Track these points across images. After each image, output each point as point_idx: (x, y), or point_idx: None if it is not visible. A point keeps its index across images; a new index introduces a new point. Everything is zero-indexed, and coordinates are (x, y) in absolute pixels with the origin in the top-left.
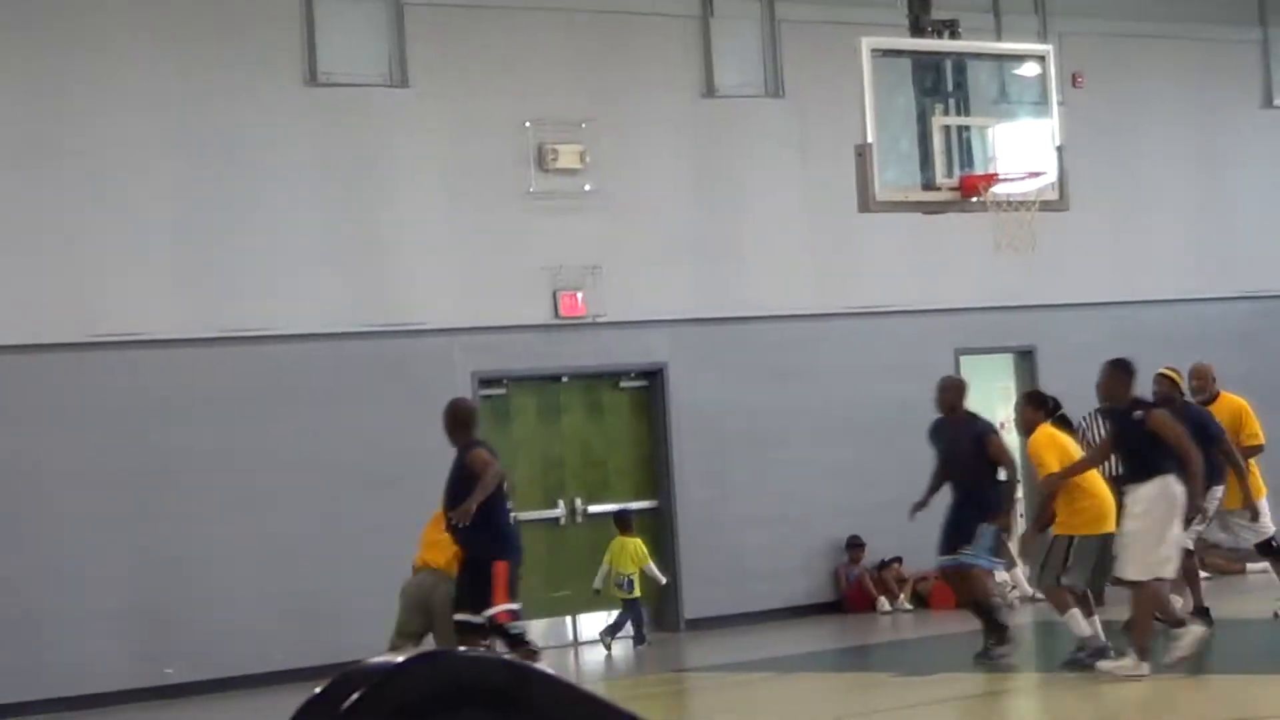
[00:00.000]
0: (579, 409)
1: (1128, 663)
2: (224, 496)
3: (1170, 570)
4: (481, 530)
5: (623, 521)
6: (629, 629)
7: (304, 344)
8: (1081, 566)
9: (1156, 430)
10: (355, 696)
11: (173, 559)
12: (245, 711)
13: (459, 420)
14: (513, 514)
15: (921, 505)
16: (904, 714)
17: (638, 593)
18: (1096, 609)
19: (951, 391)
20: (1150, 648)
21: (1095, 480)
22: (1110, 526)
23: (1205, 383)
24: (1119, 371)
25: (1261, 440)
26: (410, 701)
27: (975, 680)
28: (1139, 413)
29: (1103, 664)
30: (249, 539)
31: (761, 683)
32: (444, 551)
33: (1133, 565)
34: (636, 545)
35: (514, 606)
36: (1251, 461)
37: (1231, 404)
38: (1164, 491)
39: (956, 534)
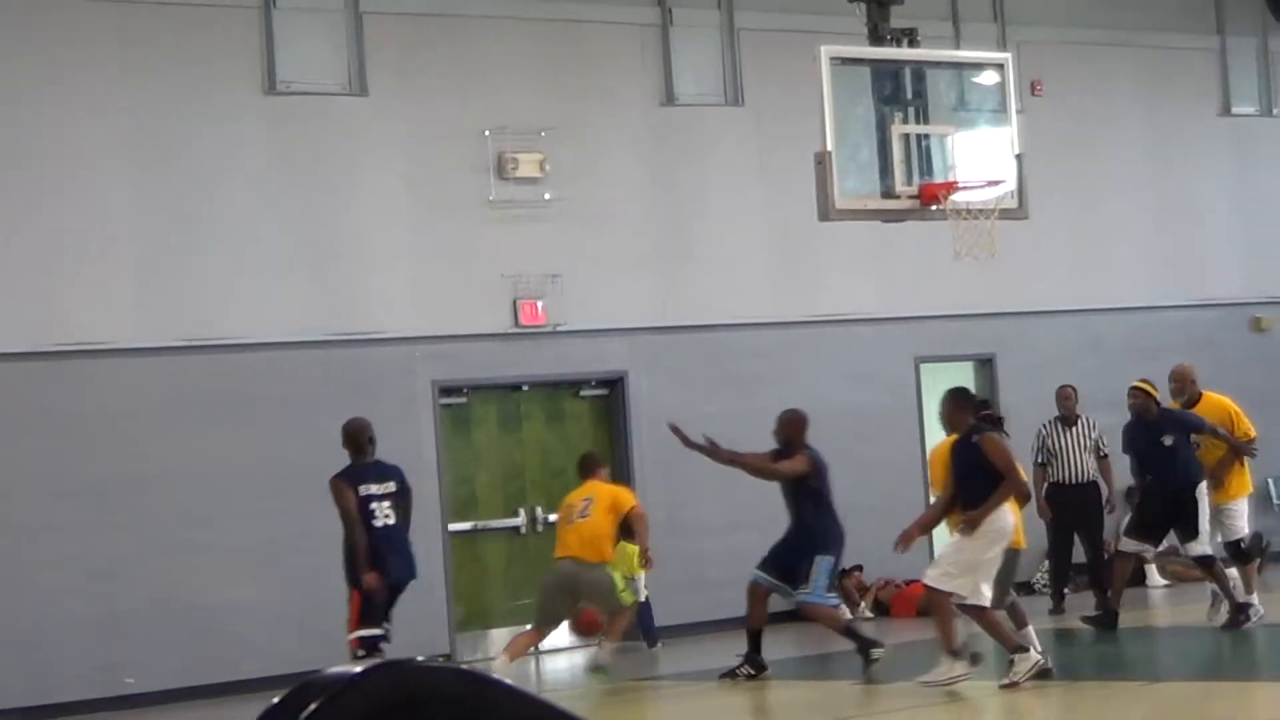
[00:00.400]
0: (539, 417)
1: (942, 669)
2: (185, 505)
3: (978, 598)
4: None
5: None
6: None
7: (264, 353)
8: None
9: (987, 454)
10: (313, 706)
11: (134, 568)
12: None
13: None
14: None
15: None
16: None
17: (643, 595)
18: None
19: (794, 425)
20: (959, 648)
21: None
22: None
23: (1184, 384)
24: (958, 400)
25: (1254, 435)
26: (368, 711)
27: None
28: (975, 438)
29: (924, 678)
30: (210, 548)
31: (722, 691)
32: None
33: (937, 570)
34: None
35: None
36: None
37: (1217, 403)
38: (993, 520)
39: (794, 572)
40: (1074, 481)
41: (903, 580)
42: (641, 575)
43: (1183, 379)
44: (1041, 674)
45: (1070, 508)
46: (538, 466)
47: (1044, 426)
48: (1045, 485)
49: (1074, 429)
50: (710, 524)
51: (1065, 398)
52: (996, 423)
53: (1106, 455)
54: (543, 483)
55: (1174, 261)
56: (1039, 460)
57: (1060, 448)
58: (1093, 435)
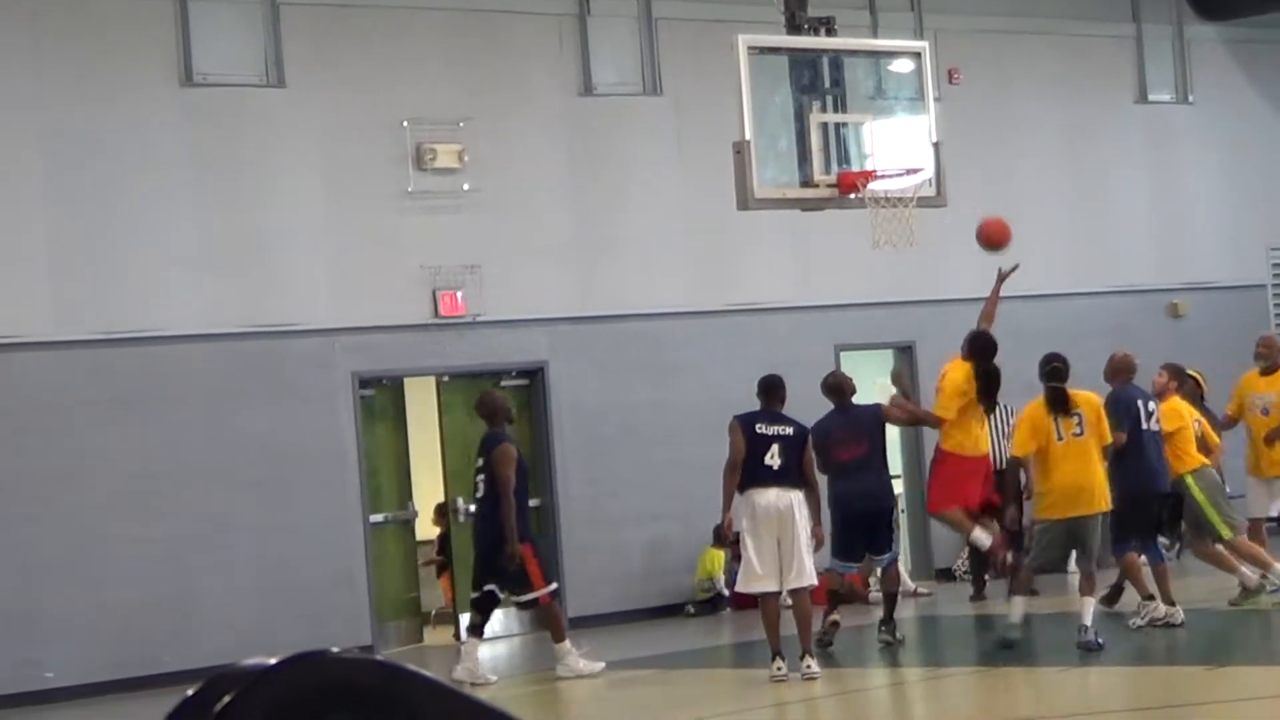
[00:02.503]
0: (460, 408)
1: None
2: (102, 498)
3: (759, 585)
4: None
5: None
6: None
7: (182, 345)
8: (1044, 550)
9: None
10: (227, 699)
11: (51, 561)
12: (126, 715)
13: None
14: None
15: None
16: (785, 710)
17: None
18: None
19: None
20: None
21: (1059, 466)
22: (1078, 510)
23: (1273, 351)
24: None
25: None
26: (283, 703)
27: (857, 675)
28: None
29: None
30: (128, 541)
31: (643, 681)
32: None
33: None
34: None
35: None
36: None
37: None
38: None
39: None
40: (995, 468)
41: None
42: (721, 577)
43: (1271, 346)
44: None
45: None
46: (458, 457)
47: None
48: None
49: (993, 416)
50: (631, 514)
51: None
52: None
53: None
54: (463, 473)
55: (1091, 248)
56: None
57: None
58: (1011, 422)
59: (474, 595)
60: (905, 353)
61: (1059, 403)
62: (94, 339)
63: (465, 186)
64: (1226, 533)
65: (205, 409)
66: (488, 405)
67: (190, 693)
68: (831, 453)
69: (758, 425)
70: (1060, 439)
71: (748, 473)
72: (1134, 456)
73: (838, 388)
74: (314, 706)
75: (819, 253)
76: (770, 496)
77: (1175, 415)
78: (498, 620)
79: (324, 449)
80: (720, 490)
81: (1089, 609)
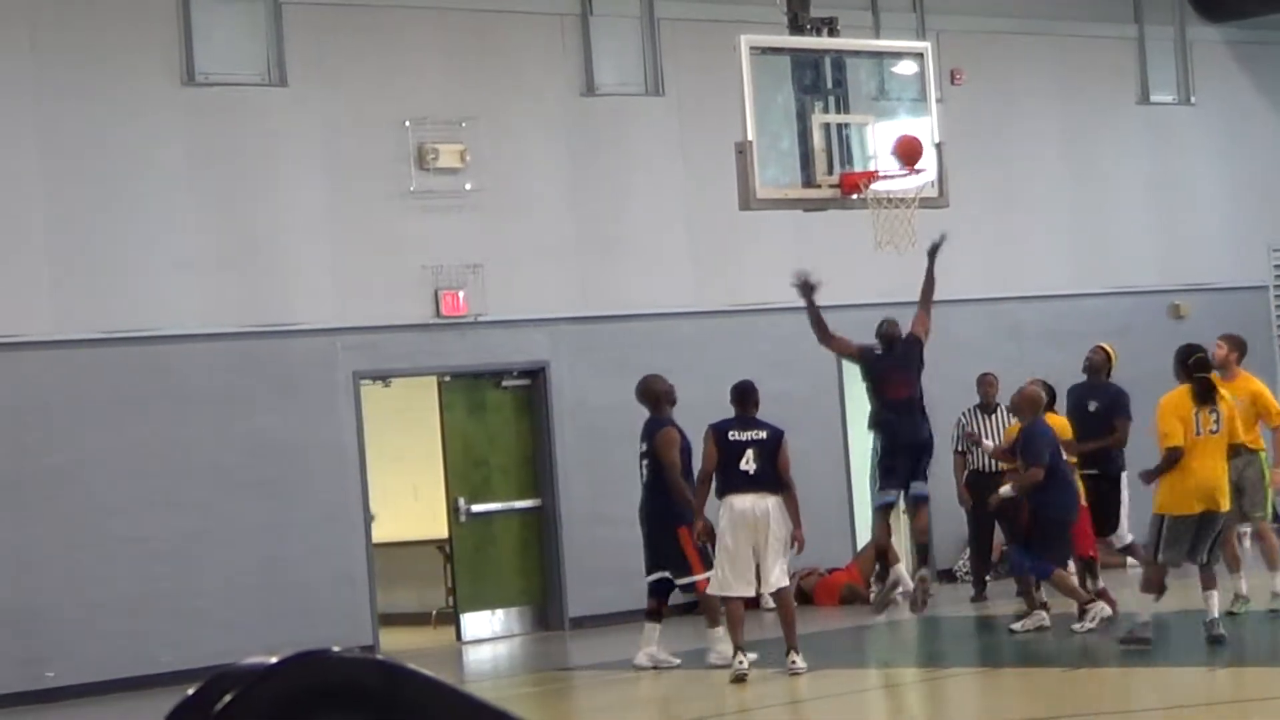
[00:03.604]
0: (461, 408)
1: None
2: (102, 498)
3: (731, 590)
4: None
5: None
6: None
7: (184, 344)
8: (1171, 546)
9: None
10: (228, 698)
11: (53, 561)
12: (127, 714)
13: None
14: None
15: None
16: (785, 710)
17: None
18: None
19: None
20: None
21: (1194, 461)
22: (1209, 506)
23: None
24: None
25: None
26: (283, 702)
27: (855, 675)
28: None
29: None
30: (129, 540)
31: (643, 680)
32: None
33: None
34: None
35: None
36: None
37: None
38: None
39: None
40: (994, 469)
41: (825, 569)
42: None
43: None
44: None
45: (990, 494)
46: (460, 457)
47: (964, 414)
48: (965, 473)
49: (993, 416)
50: (632, 514)
51: (987, 385)
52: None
53: None
54: (465, 473)
55: (1092, 249)
56: (959, 448)
57: (980, 435)
58: (1010, 422)
59: (648, 580)
60: None
61: (1205, 395)
62: (94, 338)
63: (467, 186)
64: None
65: (206, 408)
66: (649, 391)
67: (190, 692)
68: (883, 390)
69: (730, 432)
70: (1199, 433)
71: (724, 479)
72: (1056, 485)
73: (891, 336)
74: (314, 706)
75: (821, 253)
76: (746, 502)
77: (1244, 386)
78: (498, 620)
79: (324, 448)
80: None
81: (1214, 601)
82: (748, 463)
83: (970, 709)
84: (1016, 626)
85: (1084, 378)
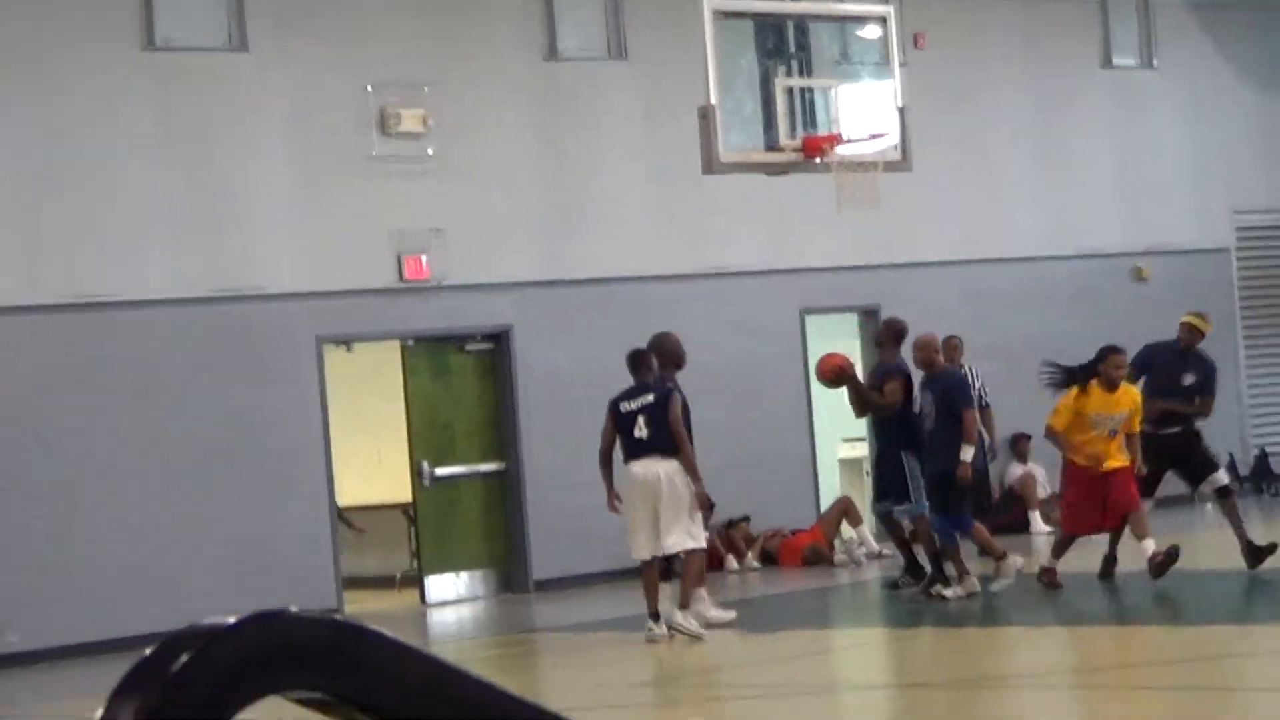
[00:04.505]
0: (425, 372)
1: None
2: (66, 463)
3: (636, 554)
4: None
5: None
6: None
7: (145, 310)
8: None
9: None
10: (185, 659)
11: (16, 527)
12: (89, 678)
13: None
14: None
15: None
16: (749, 670)
17: None
18: None
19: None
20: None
21: None
22: None
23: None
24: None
25: None
26: (240, 663)
27: (821, 636)
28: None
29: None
30: (93, 506)
31: (607, 642)
32: None
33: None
34: None
35: None
36: None
37: None
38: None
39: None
40: None
41: (790, 530)
42: None
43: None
44: None
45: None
46: (423, 421)
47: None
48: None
49: None
50: (595, 478)
51: (951, 348)
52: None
53: (989, 405)
54: (429, 437)
55: (1056, 212)
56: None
57: None
58: (977, 385)
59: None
60: (871, 316)
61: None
62: (57, 304)
63: (430, 151)
64: None
65: (169, 373)
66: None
67: (147, 653)
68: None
69: (622, 404)
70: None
71: (623, 448)
72: (949, 440)
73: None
74: (271, 667)
75: (785, 217)
76: (639, 468)
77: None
78: (462, 583)
79: (288, 413)
80: None
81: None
82: (640, 430)
83: (932, 667)
84: (948, 593)
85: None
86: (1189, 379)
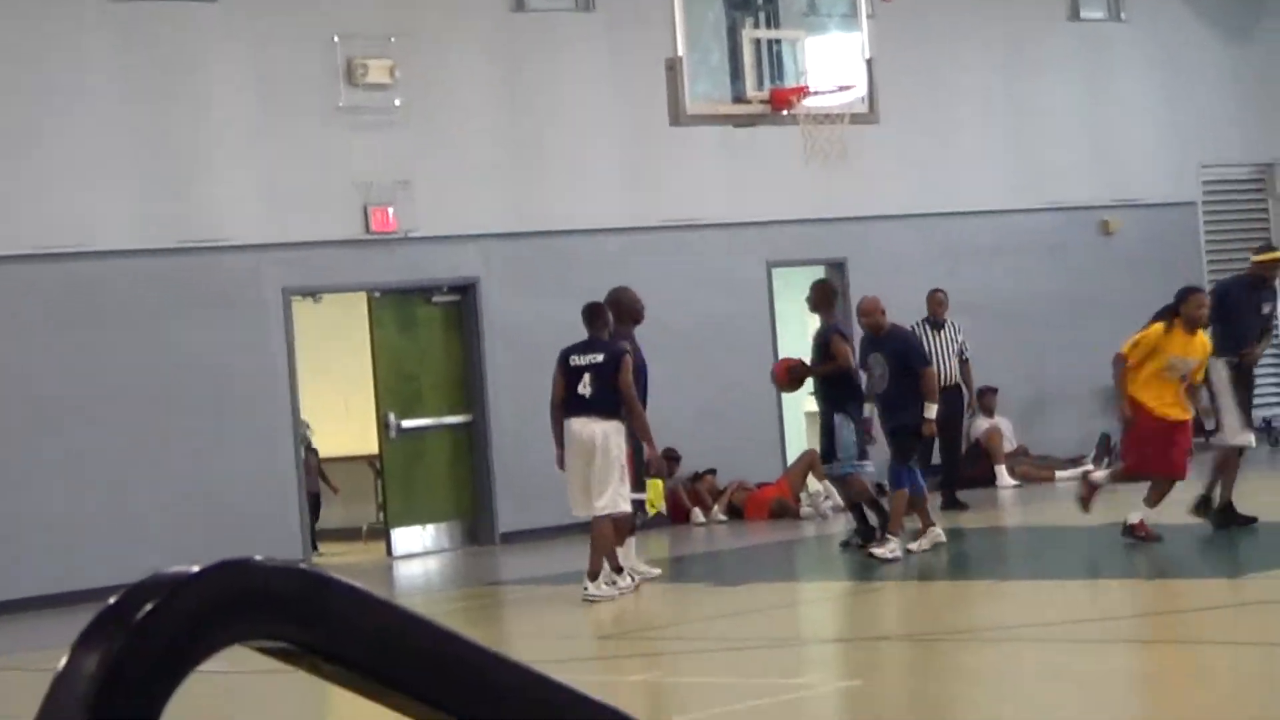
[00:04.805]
0: (391, 324)
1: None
2: (30, 415)
3: (573, 511)
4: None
5: None
6: None
7: (111, 260)
8: None
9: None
10: (148, 607)
11: None
12: (55, 629)
13: None
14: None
15: None
16: (714, 624)
17: None
18: None
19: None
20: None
21: None
22: None
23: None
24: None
25: None
26: (204, 612)
27: (787, 589)
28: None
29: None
30: (56, 457)
31: (573, 595)
32: None
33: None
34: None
35: None
36: None
37: None
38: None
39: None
40: (941, 385)
41: (755, 483)
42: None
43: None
44: None
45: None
46: (390, 374)
47: (913, 328)
48: None
49: (942, 332)
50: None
51: (936, 302)
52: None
53: (969, 359)
54: (395, 389)
55: (1024, 165)
56: None
57: (929, 350)
58: (958, 339)
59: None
60: (837, 269)
61: None
62: (21, 254)
63: (396, 102)
64: None
65: (135, 325)
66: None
67: (110, 602)
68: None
69: (572, 357)
70: None
71: (566, 403)
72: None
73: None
74: (235, 615)
75: (752, 169)
76: (578, 426)
77: None
78: (428, 535)
79: (254, 364)
80: None
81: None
82: (584, 386)
83: (896, 620)
84: (913, 546)
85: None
86: (1266, 307)
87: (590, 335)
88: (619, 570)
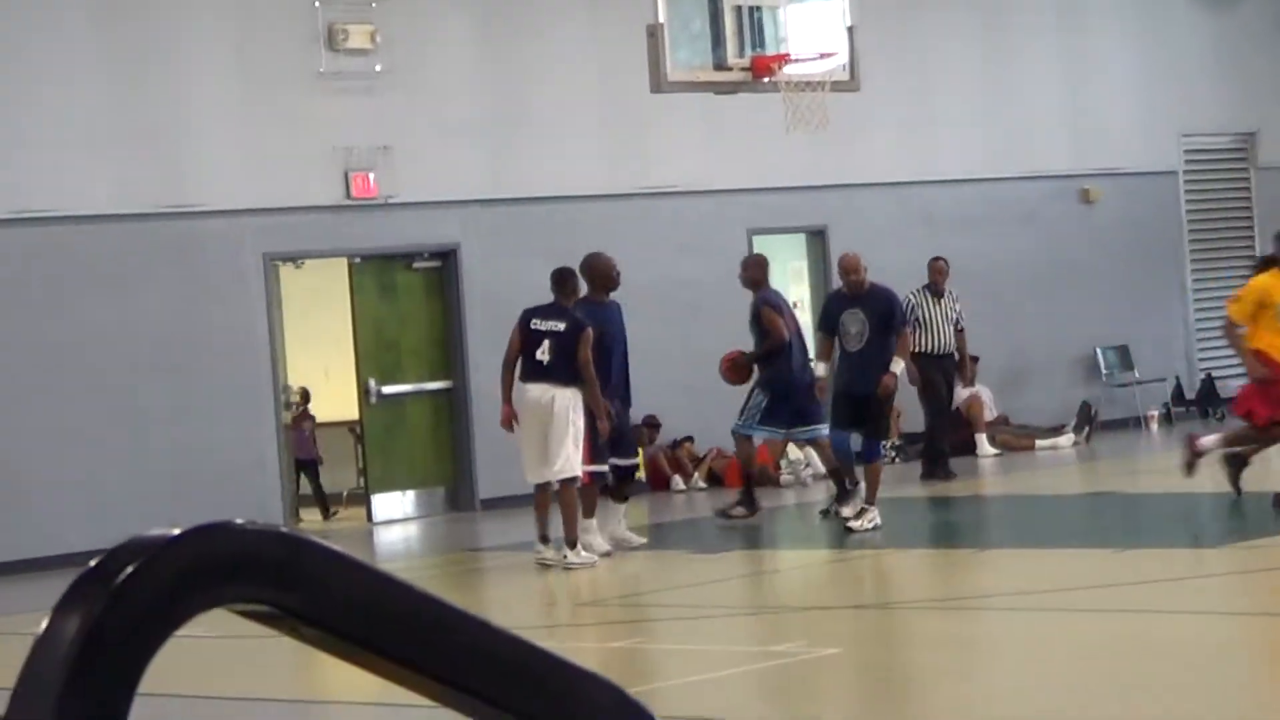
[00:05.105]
0: (372, 290)
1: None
2: (8, 380)
3: (526, 477)
4: None
5: None
6: None
7: (92, 225)
8: None
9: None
10: (129, 570)
11: None
12: (35, 593)
13: None
14: None
15: None
16: (693, 591)
17: None
18: None
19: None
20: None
21: None
22: None
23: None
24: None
25: None
26: (185, 575)
27: (766, 556)
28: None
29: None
30: (36, 423)
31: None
32: None
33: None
34: None
35: None
36: None
37: None
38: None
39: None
40: (938, 352)
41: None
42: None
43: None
44: None
45: (936, 375)
46: (370, 339)
47: (913, 295)
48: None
49: (941, 301)
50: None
51: (938, 270)
52: None
53: (963, 329)
54: (375, 355)
55: (1005, 134)
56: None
57: (929, 318)
58: (956, 308)
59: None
60: (818, 237)
61: None
62: (0, 219)
63: (377, 68)
64: None
65: (115, 290)
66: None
67: (93, 564)
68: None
69: (533, 320)
70: None
71: (521, 367)
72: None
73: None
74: (216, 578)
75: (732, 136)
76: (535, 392)
77: None
78: (409, 501)
79: (234, 330)
80: None
81: None
82: (543, 353)
83: (873, 588)
84: (847, 512)
85: None
86: None
87: (555, 300)
88: (574, 545)
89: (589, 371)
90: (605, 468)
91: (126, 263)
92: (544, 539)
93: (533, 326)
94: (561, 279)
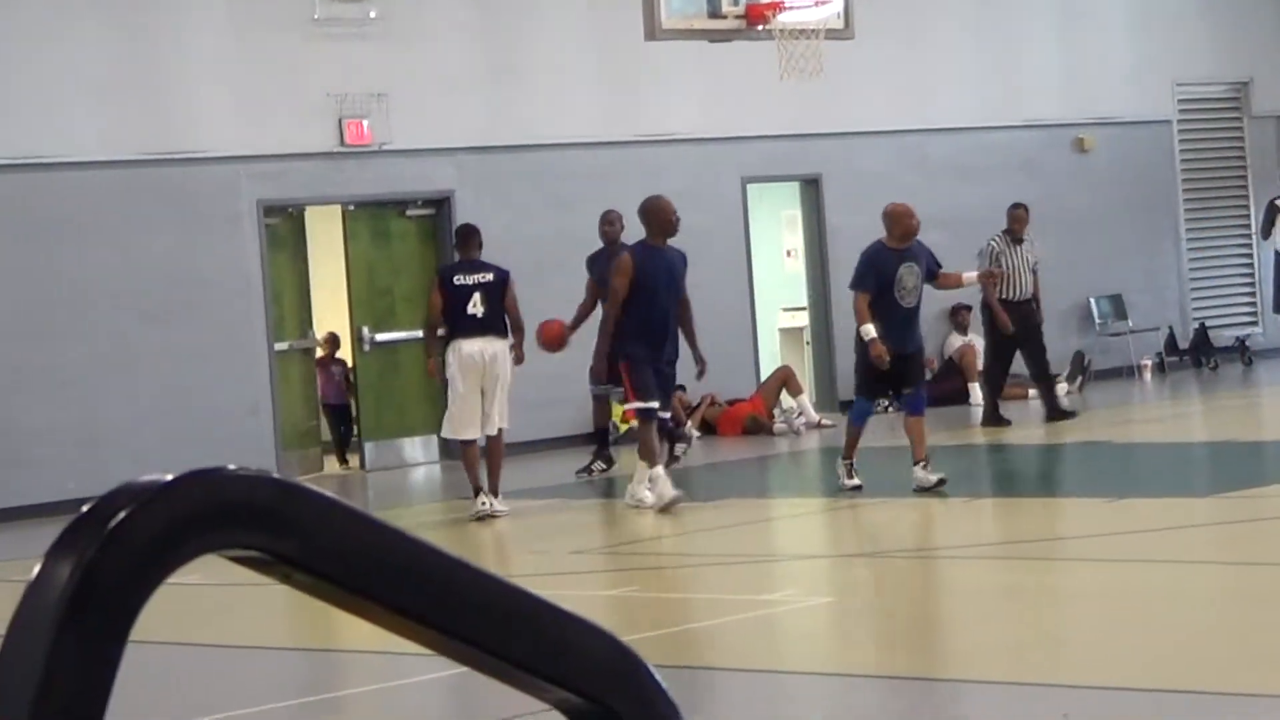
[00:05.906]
0: (366, 237)
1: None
2: (5, 327)
3: (463, 433)
4: None
5: None
6: None
7: (85, 172)
8: None
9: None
10: (122, 514)
11: None
12: (29, 539)
13: None
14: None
15: None
16: (688, 539)
17: None
18: None
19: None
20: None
21: None
22: None
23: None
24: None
25: None
26: (178, 520)
27: (760, 505)
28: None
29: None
30: (31, 368)
31: (548, 509)
32: None
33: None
34: None
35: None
36: None
37: None
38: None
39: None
40: (1019, 298)
41: (726, 400)
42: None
43: None
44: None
45: (1016, 323)
46: (364, 286)
47: (995, 241)
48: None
49: (1020, 247)
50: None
51: (1017, 218)
52: None
53: (1037, 273)
54: (369, 302)
55: (999, 82)
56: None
57: (1011, 265)
58: (1033, 255)
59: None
60: (812, 185)
61: None
62: None
63: (372, 14)
64: None
65: (109, 236)
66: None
67: (85, 509)
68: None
69: (456, 276)
70: None
71: (453, 323)
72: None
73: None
74: (209, 523)
75: (727, 84)
76: (475, 346)
77: None
78: (403, 449)
79: (228, 277)
80: None
81: None
82: (475, 306)
83: (868, 537)
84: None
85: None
86: None
87: (465, 257)
88: (478, 492)
89: (517, 316)
90: (656, 404)
91: (121, 209)
92: (479, 490)
93: (456, 283)
94: (467, 235)
